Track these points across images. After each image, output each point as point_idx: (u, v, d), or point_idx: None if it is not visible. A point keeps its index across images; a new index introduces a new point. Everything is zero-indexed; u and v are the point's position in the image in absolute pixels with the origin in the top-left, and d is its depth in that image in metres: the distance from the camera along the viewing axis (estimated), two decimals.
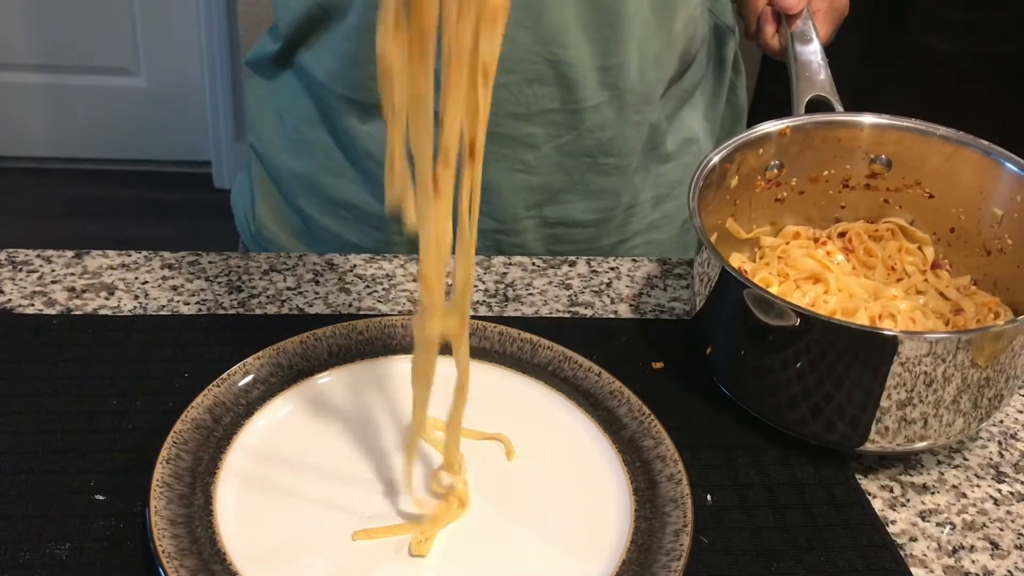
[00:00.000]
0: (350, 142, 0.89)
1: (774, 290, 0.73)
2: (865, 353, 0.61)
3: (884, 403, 0.62)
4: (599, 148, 0.87)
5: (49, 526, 0.58)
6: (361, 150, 0.88)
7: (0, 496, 0.59)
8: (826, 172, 0.78)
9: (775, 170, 0.77)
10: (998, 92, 2.16)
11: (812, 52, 0.82)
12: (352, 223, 0.92)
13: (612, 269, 0.85)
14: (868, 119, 0.76)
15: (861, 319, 0.70)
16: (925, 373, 0.60)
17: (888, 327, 0.70)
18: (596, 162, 0.88)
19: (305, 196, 0.94)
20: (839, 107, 0.78)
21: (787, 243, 0.79)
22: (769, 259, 0.77)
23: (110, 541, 0.57)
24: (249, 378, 0.66)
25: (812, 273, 0.75)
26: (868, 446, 0.65)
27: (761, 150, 0.75)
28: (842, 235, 0.79)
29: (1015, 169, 0.72)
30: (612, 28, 0.82)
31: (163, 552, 0.54)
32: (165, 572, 0.53)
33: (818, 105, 0.79)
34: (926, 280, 0.77)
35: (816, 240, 0.79)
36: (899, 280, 0.77)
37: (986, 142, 0.74)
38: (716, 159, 0.72)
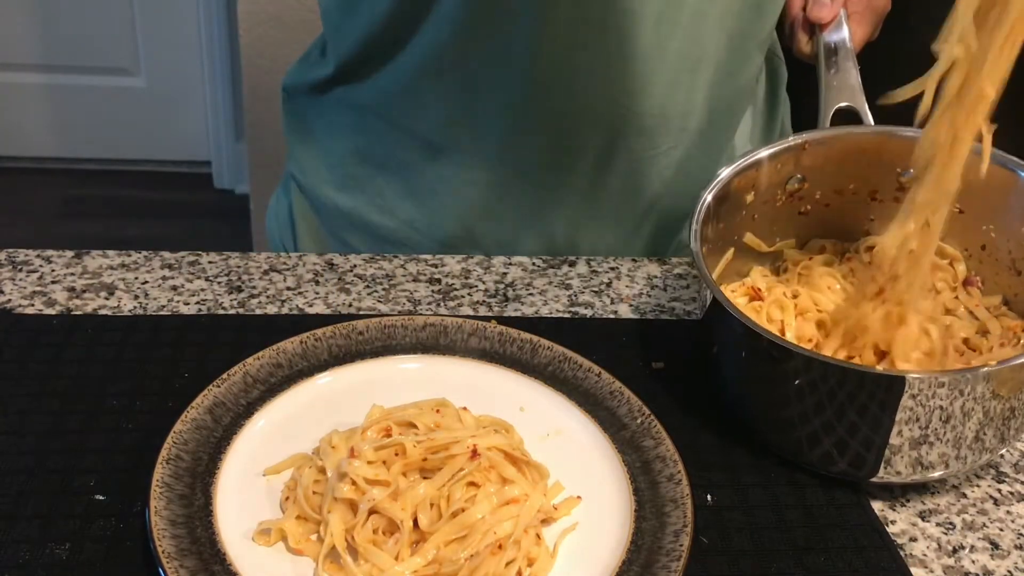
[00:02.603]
0: (414, 178, 0.88)
1: (789, 311, 0.72)
2: (855, 390, 0.60)
3: (893, 440, 0.61)
4: (665, 190, 0.88)
5: (49, 526, 0.58)
6: (425, 188, 0.88)
7: (0, 496, 0.59)
8: (852, 185, 0.76)
9: (796, 184, 0.75)
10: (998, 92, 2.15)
11: (843, 60, 0.80)
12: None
13: (612, 269, 0.85)
14: (892, 131, 0.74)
15: (868, 356, 0.69)
16: (934, 408, 0.60)
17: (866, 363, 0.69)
18: (653, 206, 0.89)
19: (353, 231, 0.92)
20: (868, 117, 0.77)
21: (810, 258, 0.77)
22: (791, 275, 0.76)
23: (110, 541, 0.57)
24: (249, 378, 0.66)
25: (823, 307, 0.73)
26: (876, 480, 0.64)
27: (779, 165, 0.74)
28: (870, 249, 0.76)
29: None
30: (693, 77, 0.82)
31: (163, 552, 0.54)
32: (165, 572, 0.53)
33: (846, 115, 0.77)
34: (956, 298, 0.74)
35: (842, 255, 0.78)
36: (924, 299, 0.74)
37: (1015, 159, 0.71)
38: (710, 198, 0.71)
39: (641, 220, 0.90)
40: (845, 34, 0.81)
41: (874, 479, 0.64)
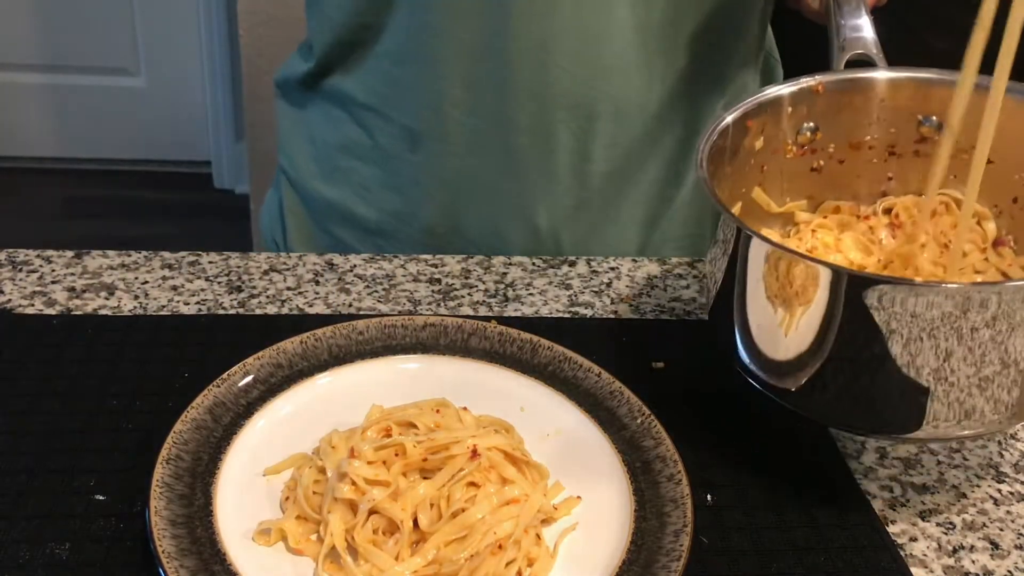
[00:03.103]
0: (397, 168, 0.88)
1: None
2: (919, 316, 0.53)
3: (936, 381, 0.54)
4: (644, 176, 0.89)
5: (49, 526, 0.58)
6: (408, 176, 0.88)
7: (0, 496, 0.59)
8: (868, 137, 0.70)
9: (808, 133, 0.70)
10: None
11: (855, 10, 0.72)
12: (388, 250, 0.92)
13: (612, 269, 0.85)
14: (913, 74, 0.68)
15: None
16: (991, 339, 0.53)
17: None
18: (640, 190, 0.90)
19: (340, 224, 0.93)
20: (884, 66, 0.70)
21: (824, 217, 0.72)
22: (803, 234, 0.70)
23: (110, 541, 0.57)
24: (249, 378, 0.66)
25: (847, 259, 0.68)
26: (918, 433, 0.58)
27: (790, 108, 0.68)
28: (889, 211, 0.71)
29: None
30: (658, 58, 0.83)
31: (163, 552, 0.54)
32: (165, 572, 0.53)
33: (860, 65, 0.70)
34: (986, 259, 0.68)
35: (859, 217, 0.72)
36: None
37: None
38: (730, 118, 0.65)
39: (624, 211, 0.90)
40: None
41: (917, 433, 0.57)
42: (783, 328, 0.58)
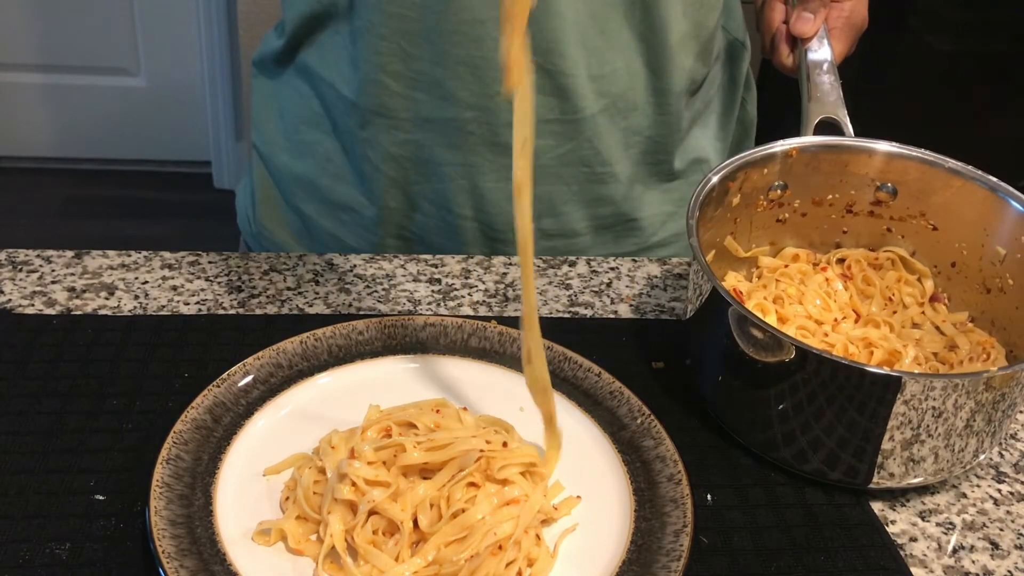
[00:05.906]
0: (350, 143, 0.89)
1: (771, 316, 0.73)
2: (862, 393, 0.60)
3: (885, 445, 0.61)
4: (596, 158, 0.87)
5: (49, 526, 0.58)
6: (359, 152, 0.89)
7: (0, 496, 0.59)
8: (830, 196, 0.77)
9: (778, 191, 0.76)
10: (997, 92, 2.16)
11: (825, 73, 0.81)
12: (350, 226, 0.92)
13: (612, 269, 0.85)
14: (877, 146, 0.76)
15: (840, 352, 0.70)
16: (932, 409, 0.60)
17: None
18: (593, 171, 0.88)
19: (304, 197, 0.94)
20: (849, 130, 0.78)
21: (786, 265, 0.78)
22: (767, 281, 0.76)
23: (110, 541, 0.57)
24: (249, 378, 0.66)
25: (809, 314, 0.74)
26: (871, 487, 0.64)
27: (766, 170, 0.75)
28: (841, 261, 0.79)
29: (1021, 208, 0.71)
30: (605, 37, 0.82)
31: (163, 552, 0.54)
32: (165, 572, 0.53)
33: (827, 127, 0.78)
34: (923, 313, 0.76)
35: (815, 264, 0.79)
36: (895, 312, 0.76)
37: (994, 179, 0.73)
38: (716, 179, 0.71)
39: (580, 194, 0.89)
40: (827, 48, 0.82)
41: (870, 485, 0.64)
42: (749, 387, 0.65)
